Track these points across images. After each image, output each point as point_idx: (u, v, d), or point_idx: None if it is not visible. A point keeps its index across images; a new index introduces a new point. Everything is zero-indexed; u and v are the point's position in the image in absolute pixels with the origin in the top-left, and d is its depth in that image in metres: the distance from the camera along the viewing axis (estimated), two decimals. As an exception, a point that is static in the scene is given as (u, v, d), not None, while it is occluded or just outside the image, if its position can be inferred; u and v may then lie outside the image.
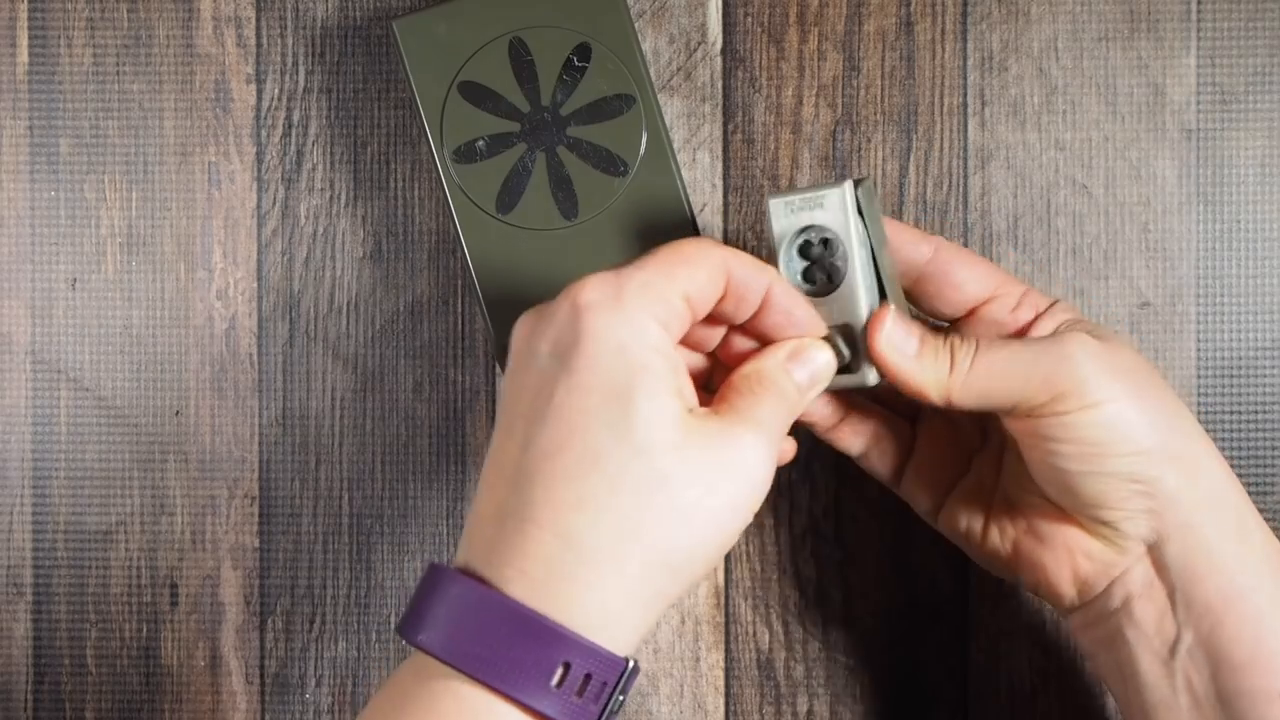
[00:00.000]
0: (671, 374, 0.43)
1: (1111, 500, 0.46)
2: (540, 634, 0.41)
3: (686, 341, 0.48)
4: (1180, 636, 0.47)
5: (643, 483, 0.42)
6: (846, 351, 0.48)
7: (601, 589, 0.42)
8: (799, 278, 0.49)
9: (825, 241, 0.48)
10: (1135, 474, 0.46)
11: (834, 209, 0.48)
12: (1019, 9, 0.58)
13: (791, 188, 0.58)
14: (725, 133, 0.59)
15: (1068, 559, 0.49)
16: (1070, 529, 0.48)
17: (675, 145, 0.58)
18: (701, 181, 0.58)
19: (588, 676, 0.41)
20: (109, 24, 0.59)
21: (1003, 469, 0.52)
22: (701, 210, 0.58)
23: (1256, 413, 0.58)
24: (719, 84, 0.59)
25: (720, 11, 0.58)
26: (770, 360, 0.47)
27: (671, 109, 0.58)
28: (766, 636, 0.59)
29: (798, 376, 0.47)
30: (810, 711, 0.59)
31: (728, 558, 0.59)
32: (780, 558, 0.59)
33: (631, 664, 0.43)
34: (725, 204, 0.59)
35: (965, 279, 0.50)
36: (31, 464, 0.60)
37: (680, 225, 0.55)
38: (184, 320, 0.59)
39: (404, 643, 0.59)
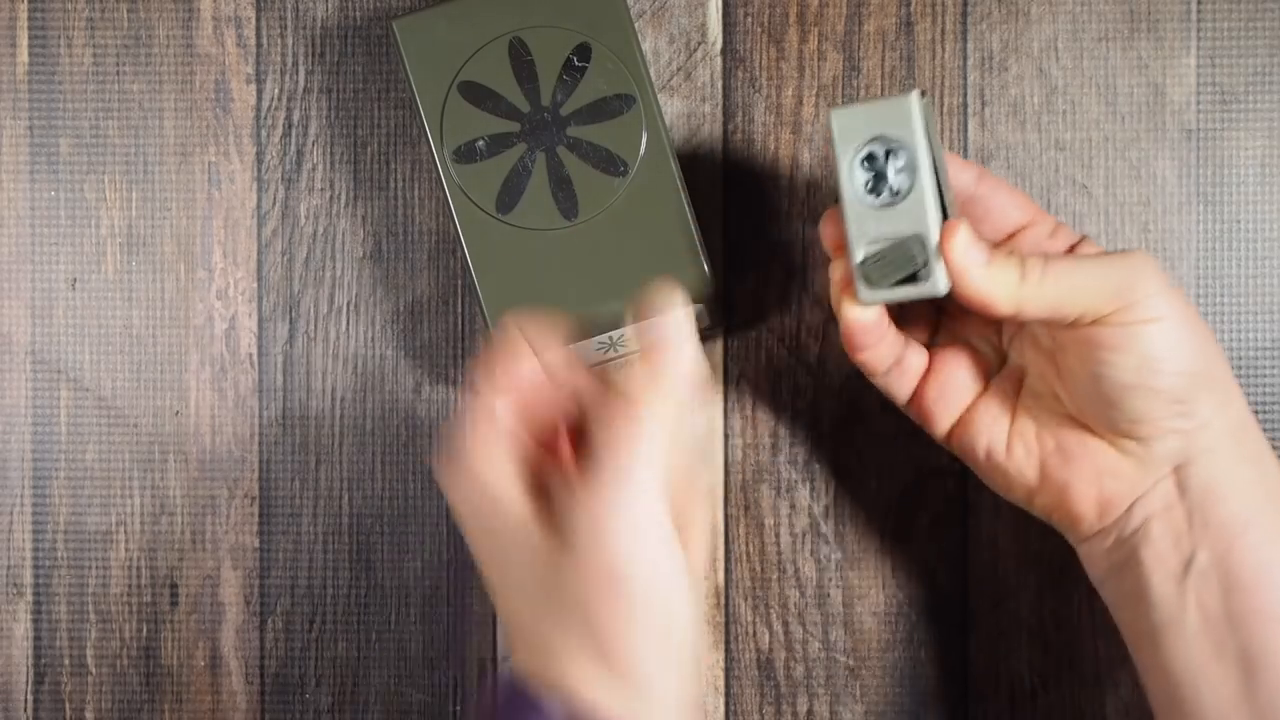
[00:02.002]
0: (522, 499, 0.47)
1: (1153, 415, 0.47)
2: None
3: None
4: (1195, 556, 0.48)
5: (552, 584, 0.46)
6: (920, 259, 0.48)
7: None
8: (865, 190, 0.49)
9: (888, 153, 0.48)
10: (1179, 393, 0.47)
11: (902, 119, 0.48)
12: (1019, 9, 0.58)
13: (852, 101, 0.57)
14: (725, 133, 0.59)
15: (1094, 479, 0.50)
16: (1100, 447, 0.49)
17: (675, 145, 0.58)
18: (701, 181, 0.58)
19: None
20: (109, 24, 0.59)
21: (1023, 392, 0.52)
22: (702, 211, 0.58)
23: (1257, 413, 0.58)
24: (719, 84, 0.59)
25: (720, 11, 0.58)
26: (622, 398, 0.47)
27: (671, 109, 0.58)
28: (766, 636, 0.59)
29: (674, 365, 0.48)
30: (810, 711, 0.59)
31: (728, 558, 0.59)
32: (780, 558, 0.59)
33: None
34: (725, 204, 0.59)
35: (1007, 203, 0.52)
36: (31, 464, 0.60)
37: (680, 225, 0.55)
38: (184, 320, 0.59)
39: (398, 641, 0.59)
